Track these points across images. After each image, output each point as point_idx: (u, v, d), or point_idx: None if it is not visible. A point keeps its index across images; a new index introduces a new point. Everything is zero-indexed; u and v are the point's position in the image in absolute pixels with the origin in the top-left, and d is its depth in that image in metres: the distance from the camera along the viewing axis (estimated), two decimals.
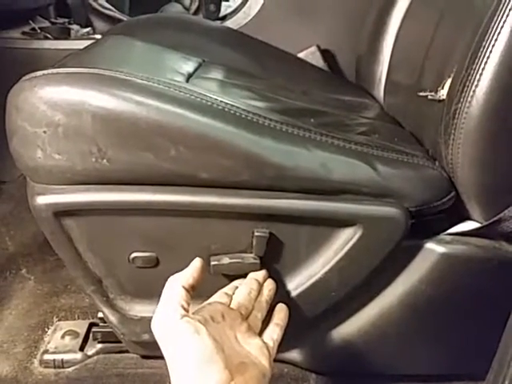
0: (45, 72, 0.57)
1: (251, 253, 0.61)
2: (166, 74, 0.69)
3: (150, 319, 0.65)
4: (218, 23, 1.15)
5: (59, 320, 0.89)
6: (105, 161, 0.57)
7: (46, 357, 0.81)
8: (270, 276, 0.63)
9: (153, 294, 0.65)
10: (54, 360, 0.80)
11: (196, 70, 0.76)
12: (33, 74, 0.57)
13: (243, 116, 0.58)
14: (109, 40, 0.84)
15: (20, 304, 0.94)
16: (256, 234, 0.60)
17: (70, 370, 0.80)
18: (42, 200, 0.59)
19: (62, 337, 0.84)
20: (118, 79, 0.56)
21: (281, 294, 0.64)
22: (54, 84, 0.55)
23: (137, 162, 0.57)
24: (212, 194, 0.58)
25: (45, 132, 0.56)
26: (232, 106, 0.58)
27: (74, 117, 0.55)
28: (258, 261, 0.61)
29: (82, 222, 0.60)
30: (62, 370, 0.80)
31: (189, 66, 0.76)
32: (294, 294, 0.64)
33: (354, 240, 0.60)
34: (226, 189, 0.58)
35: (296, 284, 0.64)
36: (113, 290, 0.65)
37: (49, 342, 0.84)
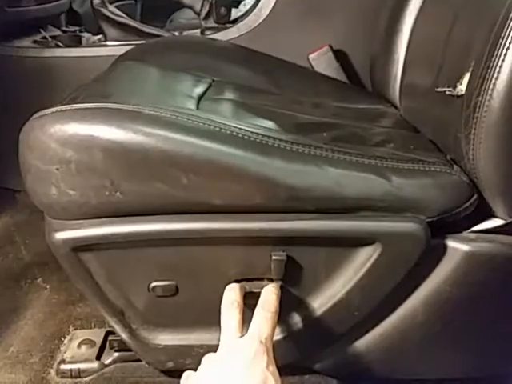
0: (53, 110, 0.57)
1: (270, 277, 0.61)
2: (176, 99, 0.69)
3: (173, 347, 0.67)
4: (226, 41, 1.14)
5: (75, 329, 0.89)
6: (118, 193, 0.57)
7: (63, 366, 0.81)
8: (290, 298, 0.62)
9: (175, 322, 0.65)
10: (71, 370, 0.80)
11: (206, 90, 0.76)
12: (42, 112, 0.58)
13: (252, 139, 0.57)
14: (119, 67, 0.85)
15: (36, 313, 0.94)
16: (274, 257, 0.59)
17: (86, 379, 0.80)
18: (59, 236, 0.60)
19: (79, 346, 0.84)
20: (126, 112, 0.57)
21: (302, 316, 0.63)
22: (62, 121, 0.56)
23: (149, 192, 0.57)
24: (226, 220, 0.58)
25: (57, 169, 0.56)
26: (240, 129, 0.58)
27: (85, 152, 0.55)
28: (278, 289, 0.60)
29: (99, 255, 0.61)
30: (78, 379, 0.79)
31: (199, 88, 0.75)
32: (315, 315, 0.63)
33: (374, 258, 0.59)
34: (241, 213, 0.58)
35: (317, 305, 0.63)
36: (135, 320, 0.65)
37: (65, 352, 0.83)
